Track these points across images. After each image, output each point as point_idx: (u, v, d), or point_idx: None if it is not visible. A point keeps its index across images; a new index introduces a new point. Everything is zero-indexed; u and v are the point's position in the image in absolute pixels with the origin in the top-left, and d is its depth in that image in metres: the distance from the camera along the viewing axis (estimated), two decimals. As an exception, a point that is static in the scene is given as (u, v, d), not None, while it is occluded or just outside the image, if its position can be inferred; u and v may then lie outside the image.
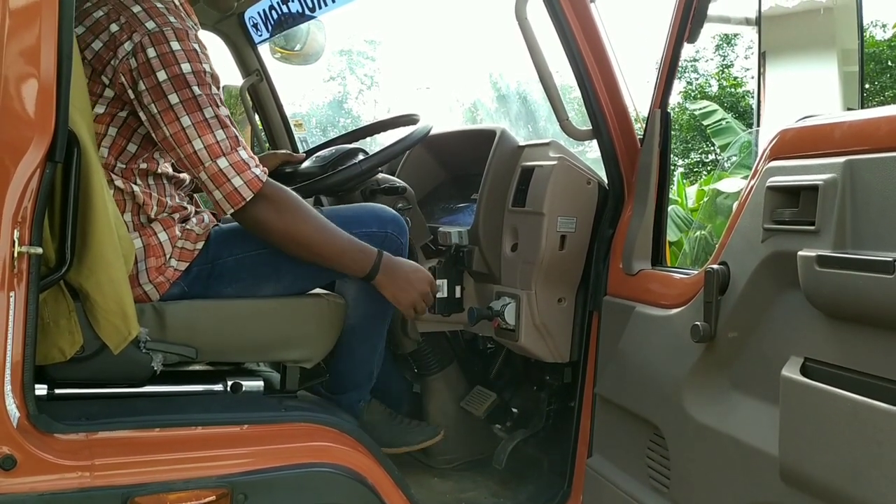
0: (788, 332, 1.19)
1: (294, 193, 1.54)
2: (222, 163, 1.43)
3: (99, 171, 1.34)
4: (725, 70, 15.94)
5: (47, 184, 1.18)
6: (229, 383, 1.58)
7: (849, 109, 2.02)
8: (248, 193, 1.45)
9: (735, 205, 1.40)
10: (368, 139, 2.34)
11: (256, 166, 1.47)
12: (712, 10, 1.61)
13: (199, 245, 1.56)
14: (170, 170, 1.59)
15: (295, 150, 2.69)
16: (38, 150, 1.16)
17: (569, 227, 1.85)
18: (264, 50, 2.66)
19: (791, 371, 1.14)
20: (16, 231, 1.15)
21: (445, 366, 2.19)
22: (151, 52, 1.40)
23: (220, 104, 1.45)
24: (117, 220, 1.41)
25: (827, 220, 1.09)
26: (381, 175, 2.04)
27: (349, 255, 1.57)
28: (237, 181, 1.44)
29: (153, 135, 1.45)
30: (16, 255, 1.15)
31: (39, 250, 1.18)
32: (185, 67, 1.41)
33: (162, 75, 1.40)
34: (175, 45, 1.41)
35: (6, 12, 1.14)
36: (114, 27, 1.42)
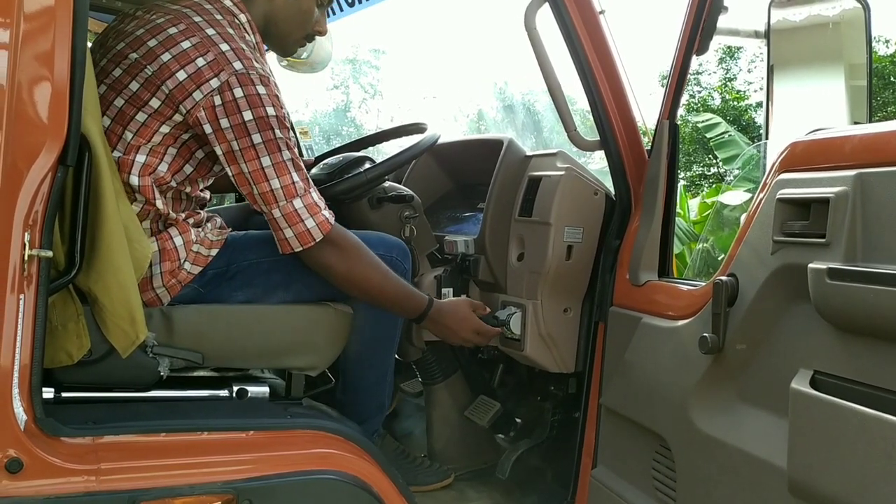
0: (798, 344, 1.19)
1: (356, 238, 1.60)
2: (297, 203, 1.50)
3: (109, 175, 1.34)
4: (728, 83, 16.00)
5: (59, 187, 1.19)
6: (235, 389, 1.57)
7: (856, 123, 2.02)
8: (318, 235, 1.52)
9: (743, 217, 1.40)
10: (373, 148, 2.35)
11: (325, 209, 1.54)
12: (721, 22, 1.62)
13: (214, 251, 1.57)
14: (200, 193, 1.64)
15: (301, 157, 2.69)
16: (51, 154, 1.16)
17: (576, 238, 1.85)
18: (271, 57, 2.67)
19: (801, 384, 1.14)
20: (26, 234, 1.15)
21: (449, 375, 2.19)
22: (239, 93, 1.45)
23: (294, 147, 1.52)
24: (133, 225, 1.42)
25: (838, 233, 1.09)
26: (387, 183, 2.04)
27: (402, 303, 1.68)
28: (310, 222, 1.51)
29: (228, 169, 1.50)
30: (26, 257, 1.15)
31: (50, 253, 1.18)
32: (270, 111, 1.47)
33: (248, 115, 1.45)
34: (261, 90, 1.46)
35: (20, 17, 1.14)
36: (200, 61, 1.46)
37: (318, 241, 1.52)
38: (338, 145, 2.38)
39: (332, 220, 1.54)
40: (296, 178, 1.50)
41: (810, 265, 1.11)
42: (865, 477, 1.03)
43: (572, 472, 1.84)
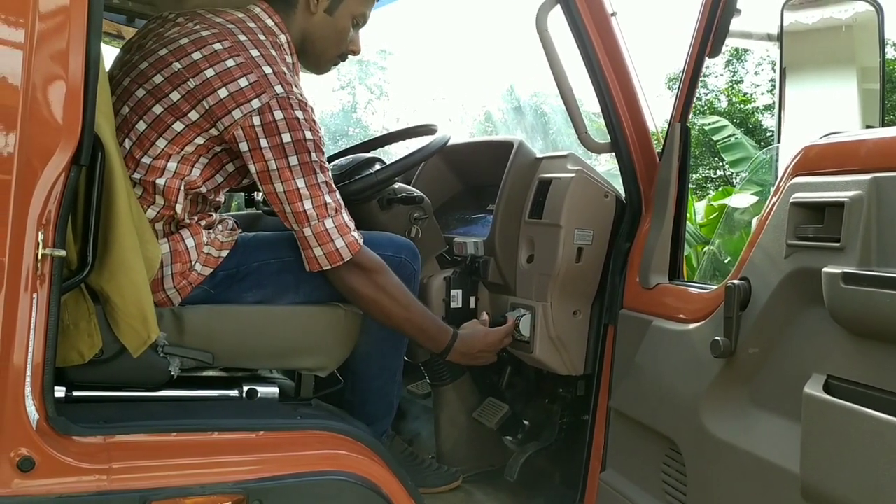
0: (811, 348, 1.19)
1: (383, 263, 1.62)
2: (328, 223, 1.53)
3: (121, 175, 1.35)
4: (735, 86, 15.96)
5: (72, 187, 1.19)
6: (245, 389, 1.58)
7: (868, 127, 2.02)
8: (347, 255, 1.55)
9: (755, 220, 1.40)
10: (382, 149, 2.35)
11: (354, 230, 1.57)
12: (734, 25, 1.62)
13: (225, 253, 1.58)
14: (216, 198, 1.66)
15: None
16: (65, 154, 1.16)
17: (586, 240, 1.85)
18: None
19: (814, 388, 1.13)
20: (40, 233, 1.15)
21: (458, 376, 2.18)
22: (279, 115, 1.48)
23: (328, 170, 1.56)
24: (143, 226, 1.42)
25: (852, 237, 1.09)
26: (397, 184, 2.04)
27: (426, 334, 1.70)
28: (339, 242, 1.54)
29: (261, 187, 1.53)
30: (39, 257, 1.15)
31: (63, 253, 1.18)
32: (308, 135, 1.50)
33: (287, 137, 1.48)
34: (300, 114, 1.50)
35: (36, 17, 1.15)
36: (243, 81, 1.48)
37: (346, 260, 1.55)
38: (345, 146, 2.38)
39: (360, 241, 1.57)
40: (328, 199, 1.53)
41: (825, 269, 1.11)
42: (879, 482, 1.02)
43: (581, 475, 1.84)
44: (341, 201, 1.57)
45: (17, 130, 1.12)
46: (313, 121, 1.53)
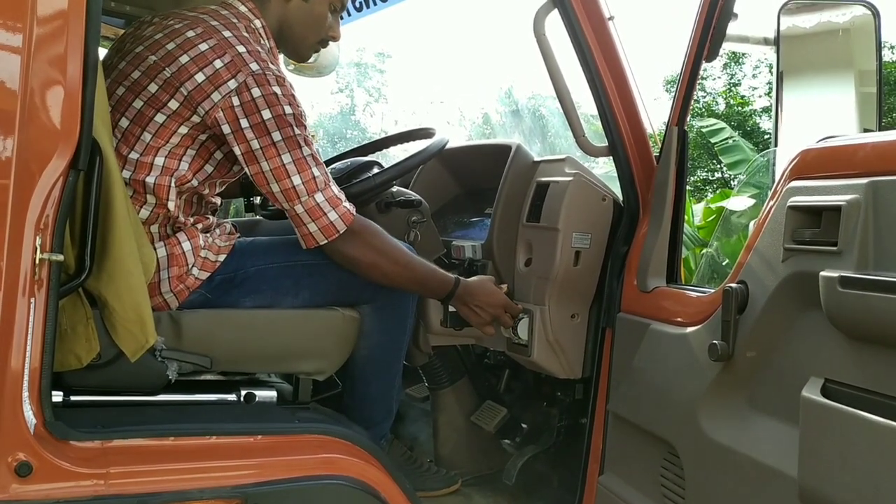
0: (808, 352, 1.19)
1: (378, 227, 1.62)
2: (319, 198, 1.52)
3: (119, 179, 1.35)
4: (733, 88, 15.99)
5: (70, 191, 1.19)
6: (243, 393, 1.57)
7: (866, 130, 2.02)
8: (341, 226, 1.54)
9: (752, 224, 1.40)
10: (380, 152, 2.35)
11: (346, 201, 1.56)
12: (731, 29, 1.62)
13: (222, 257, 1.58)
14: (212, 198, 1.66)
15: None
16: (63, 159, 1.16)
17: (583, 243, 1.85)
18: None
19: (811, 392, 1.13)
20: (38, 238, 1.15)
21: (456, 380, 2.18)
22: (256, 92, 1.47)
23: (312, 143, 1.54)
24: (138, 230, 1.42)
25: (849, 241, 1.09)
26: (395, 188, 2.04)
27: (428, 285, 1.71)
28: (332, 215, 1.53)
29: (247, 169, 1.53)
30: (37, 261, 1.15)
31: (61, 257, 1.18)
32: (287, 109, 1.49)
33: (267, 114, 1.48)
34: (277, 89, 1.49)
35: (34, 21, 1.15)
36: (218, 63, 1.48)
37: (341, 232, 1.54)
38: (343, 148, 2.39)
39: (353, 210, 1.56)
40: (316, 172, 1.52)
41: (822, 273, 1.11)
42: (877, 486, 1.02)
43: (579, 479, 1.84)
44: (329, 174, 1.56)
45: (15, 135, 1.12)
46: (292, 95, 1.52)
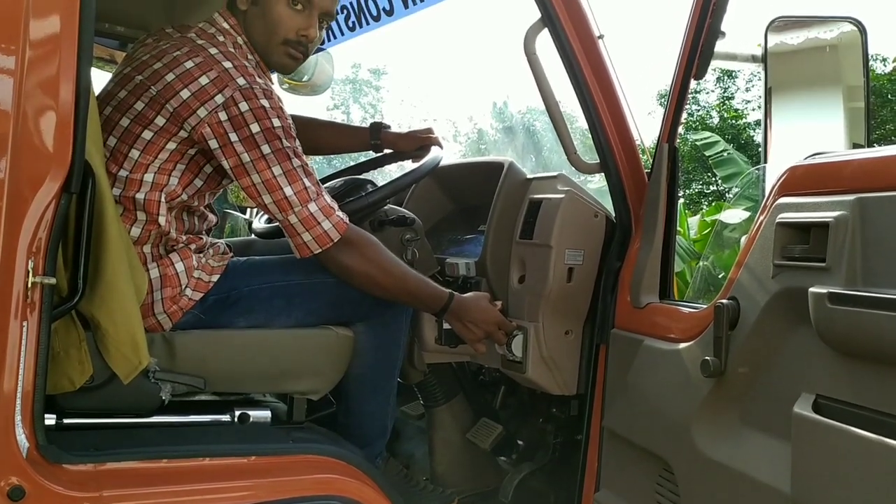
0: (800, 368, 1.19)
1: (372, 237, 1.62)
2: (312, 207, 1.52)
3: (112, 201, 1.35)
4: (726, 102, 16.09)
5: (62, 215, 1.19)
6: (237, 414, 1.57)
7: (855, 146, 2.03)
8: (335, 235, 1.54)
9: (743, 239, 1.41)
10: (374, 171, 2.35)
11: (339, 210, 1.56)
12: (719, 46, 1.63)
13: (215, 277, 1.58)
14: (204, 210, 1.66)
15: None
16: (55, 182, 1.17)
17: (576, 260, 1.85)
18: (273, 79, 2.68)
19: (803, 408, 1.14)
20: (30, 261, 1.15)
21: (451, 397, 2.18)
22: (244, 106, 1.48)
23: (302, 155, 1.55)
24: (130, 252, 1.43)
25: (838, 258, 1.10)
26: (388, 206, 2.05)
27: (422, 298, 1.70)
28: (326, 224, 1.53)
29: (238, 182, 1.53)
30: (29, 284, 1.15)
31: (53, 280, 1.18)
32: (276, 122, 1.50)
33: (255, 127, 1.48)
34: (265, 102, 1.50)
35: (26, 45, 1.15)
36: (204, 79, 1.49)
37: (335, 241, 1.54)
38: (340, 165, 2.39)
39: (346, 219, 1.56)
40: (307, 183, 1.52)
41: (811, 289, 1.11)
42: (869, 501, 1.02)
43: (575, 495, 1.83)
44: (320, 184, 1.57)
45: (7, 158, 1.13)
46: (280, 108, 1.52)
